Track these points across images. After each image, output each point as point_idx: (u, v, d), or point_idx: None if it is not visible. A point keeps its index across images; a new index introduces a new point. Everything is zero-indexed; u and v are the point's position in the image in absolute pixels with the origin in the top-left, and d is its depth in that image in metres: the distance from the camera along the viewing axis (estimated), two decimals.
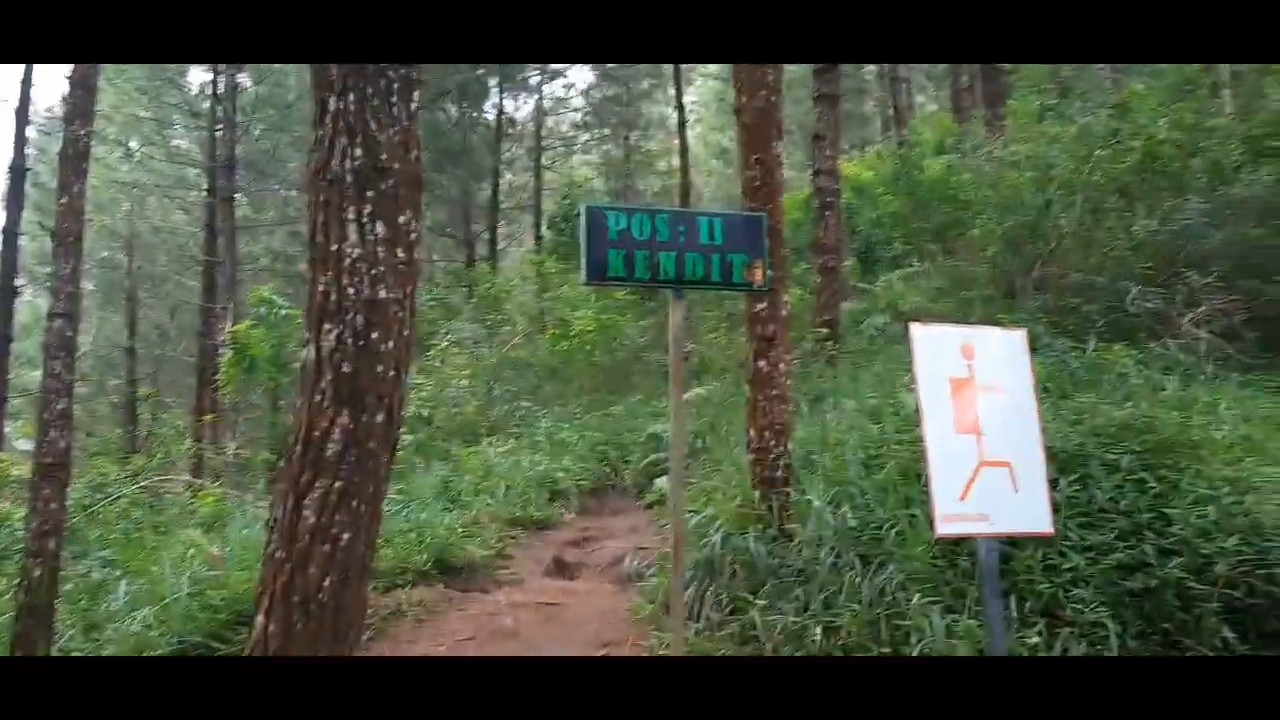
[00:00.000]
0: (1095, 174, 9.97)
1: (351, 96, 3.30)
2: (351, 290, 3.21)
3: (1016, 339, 4.25)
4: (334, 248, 3.23)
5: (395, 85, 3.36)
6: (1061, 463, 5.16)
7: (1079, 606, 4.37)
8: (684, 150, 19.27)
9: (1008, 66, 15.99)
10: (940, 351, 4.08)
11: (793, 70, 20.37)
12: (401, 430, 3.62)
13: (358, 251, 3.24)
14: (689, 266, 4.08)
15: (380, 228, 3.29)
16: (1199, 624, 4.42)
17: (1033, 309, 8.55)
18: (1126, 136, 10.46)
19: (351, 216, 3.26)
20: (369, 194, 3.28)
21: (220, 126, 19.85)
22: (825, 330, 10.02)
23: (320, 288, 3.26)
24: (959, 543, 4.67)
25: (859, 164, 16.43)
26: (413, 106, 3.43)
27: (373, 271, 3.25)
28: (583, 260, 4.03)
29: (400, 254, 3.35)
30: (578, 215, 17.14)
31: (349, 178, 3.27)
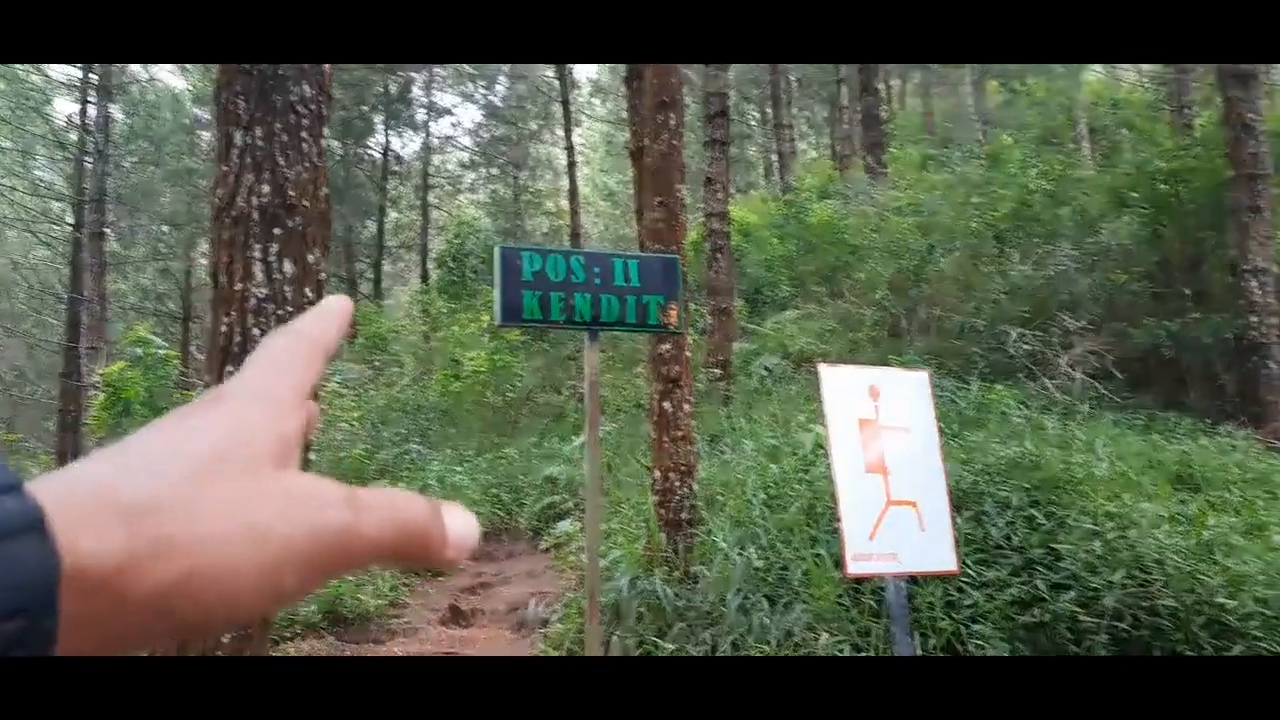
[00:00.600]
0: (973, 221, 10.43)
1: (259, 131, 3.18)
2: (257, 331, 3.08)
3: (920, 380, 4.36)
4: (238, 287, 3.10)
5: (305, 120, 3.26)
6: (957, 500, 5.29)
7: (980, 642, 4.47)
8: (574, 191, 19.35)
9: (885, 115, 16.67)
10: (848, 392, 4.15)
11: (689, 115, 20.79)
12: None
13: (264, 291, 3.11)
14: (605, 308, 4.06)
15: (288, 267, 3.16)
16: (1090, 655, 4.58)
17: (919, 350, 8.84)
18: (999, 186, 11.01)
19: (258, 255, 3.13)
20: (276, 232, 3.16)
21: (89, 158, 18.96)
22: (719, 371, 10.12)
23: (223, 328, 3.12)
24: (862, 581, 4.74)
25: (745, 208, 16.78)
26: (322, 143, 3.33)
27: (279, 312, 3.12)
28: (496, 302, 3.96)
29: (309, 294, 3.23)
30: (468, 255, 16.86)
31: (255, 215, 3.14)
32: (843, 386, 4.17)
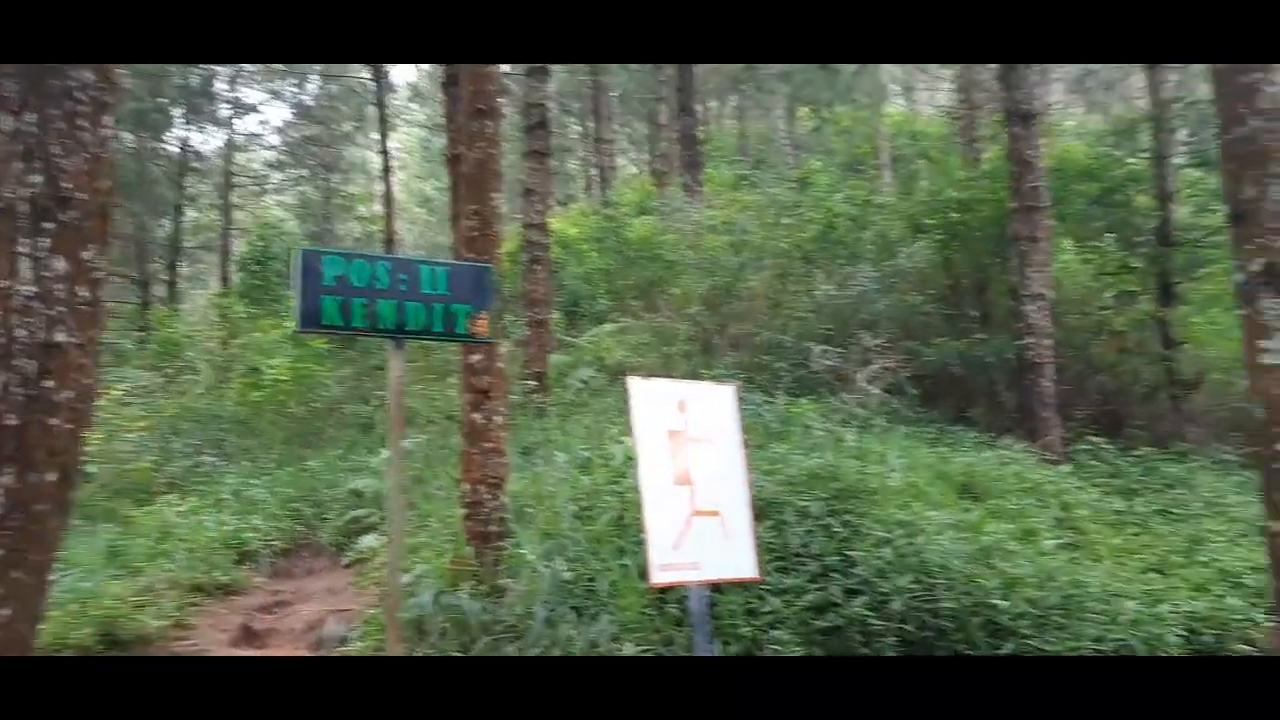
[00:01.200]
0: (782, 241, 10.82)
1: (31, 117, 2.92)
2: (23, 332, 2.82)
3: (727, 394, 4.47)
4: (2, 285, 2.83)
5: (84, 107, 3.02)
6: (760, 510, 5.44)
7: (777, 647, 4.60)
8: (388, 197, 18.85)
9: (702, 135, 17.11)
10: (657, 405, 4.19)
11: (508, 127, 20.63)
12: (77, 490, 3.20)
13: (31, 290, 2.85)
14: (410, 316, 3.95)
15: (59, 263, 2.92)
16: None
17: (728, 364, 9.07)
18: (808, 208, 11.48)
19: (25, 250, 2.87)
20: (47, 225, 2.90)
21: None
22: (534, 382, 10.07)
23: None
24: (668, 590, 4.79)
25: (565, 220, 16.83)
26: (104, 131, 3.09)
27: (50, 312, 2.87)
28: (295, 307, 3.78)
29: (82, 293, 2.98)
30: (273, 258, 16.09)
31: (24, 207, 2.88)
32: (652, 400, 4.21)
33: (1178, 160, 11.06)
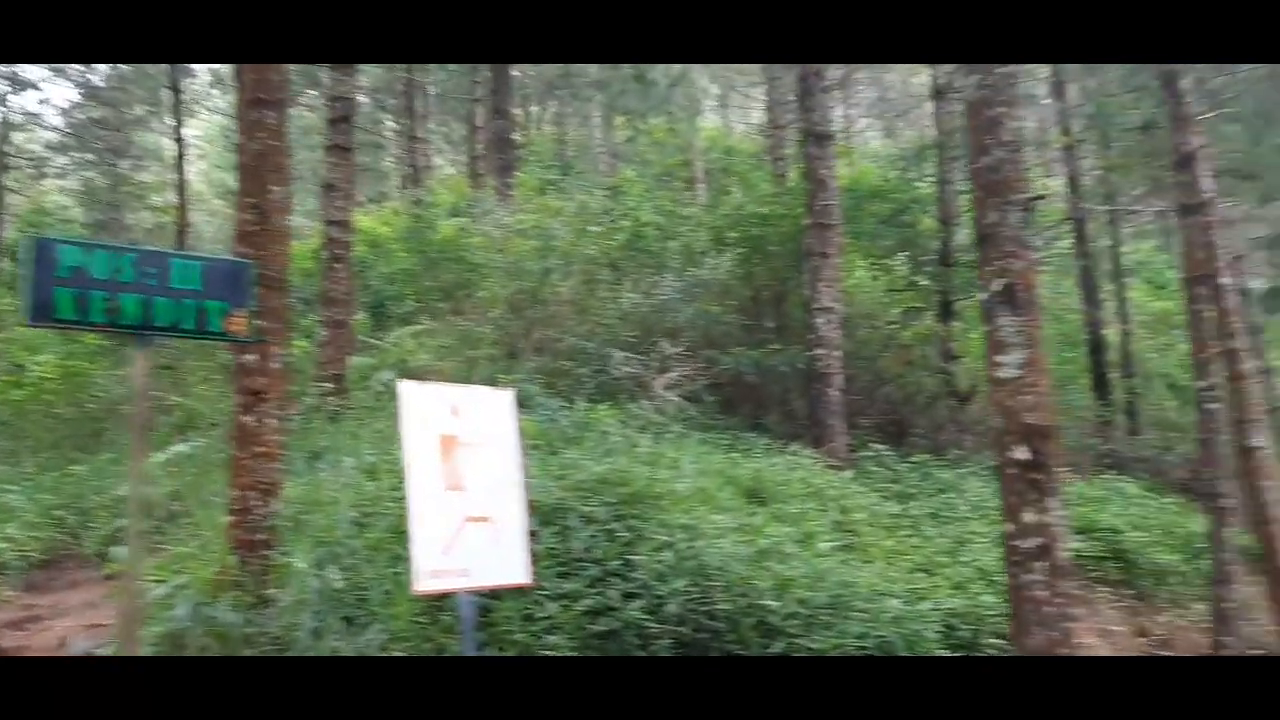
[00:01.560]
0: (591, 247, 10.88)
1: None
2: None
3: (504, 399, 4.44)
4: None
5: None
6: (545, 515, 5.44)
7: (551, 652, 4.60)
8: (182, 186, 17.78)
9: (519, 139, 17.03)
10: (430, 409, 4.12)
11: (310, 117, 19.82)
12: None
13: None
14: (157, 312, 3.72)
15: None
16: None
17: (531, 369, 9.04)
18: (618, 216, 11.60)
19: None
20: None
21: None
22: (330, 385, 9.73)
23: None
24: (444, 598, 4.72)
25: (375, 218, 16.38)
26: None
27: None
28: (25, 298, 3.49)
29: None
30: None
31: None
32: (424, 403, 4.13)
33: (959, 185, 11.80)
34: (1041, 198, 5.59)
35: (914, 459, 9.77)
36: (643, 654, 4.90)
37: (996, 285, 4.37)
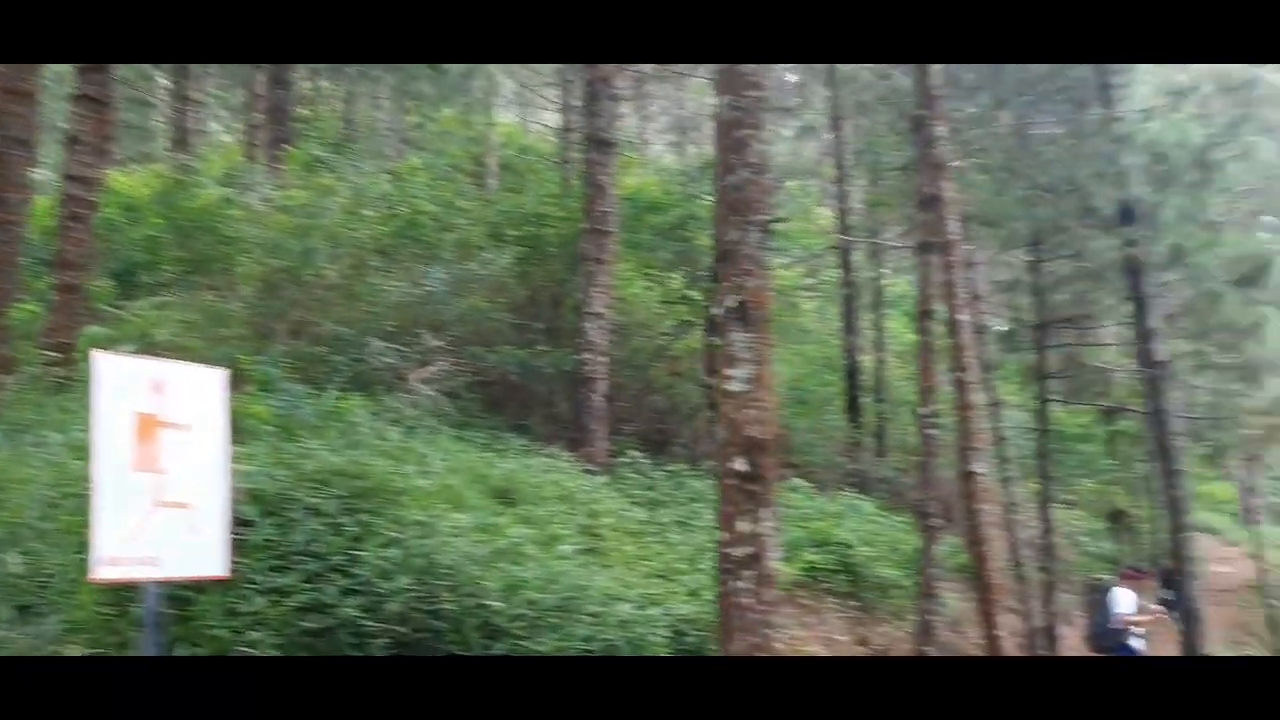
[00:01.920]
0: (362, 231, 10.50)
1: None
2: None
3: (215, 378, 4.15)
4: None
5: None
6: (268, 505, 5.16)
7: (252, 649, 4.36)
8: None
9: (305, 112, 16.24)
10: (128, 385, 3.79)
11: (62, 66, 18.15)
12: None
13: None
14: None
15: None
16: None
17: (282, 353, 8.60)
18: (396, 202, 11.25)
19: None
20: None
21: None
22: (57, 354, 8.90)
23: None
24: (136, 589, 4.37)
25: (134, 179, 15.17)
26: None
27: None
28: None
29: None
30: None
31: None
32: (122, 378, 3.80)
33: None
34: (782, 220, 5.83)
35: (671, 467, 10.01)
36: (358, 654, 4.73)
37: (731, 301, 4.50)
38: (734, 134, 4.59)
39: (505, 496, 7.37)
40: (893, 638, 8.88)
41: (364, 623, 4.72)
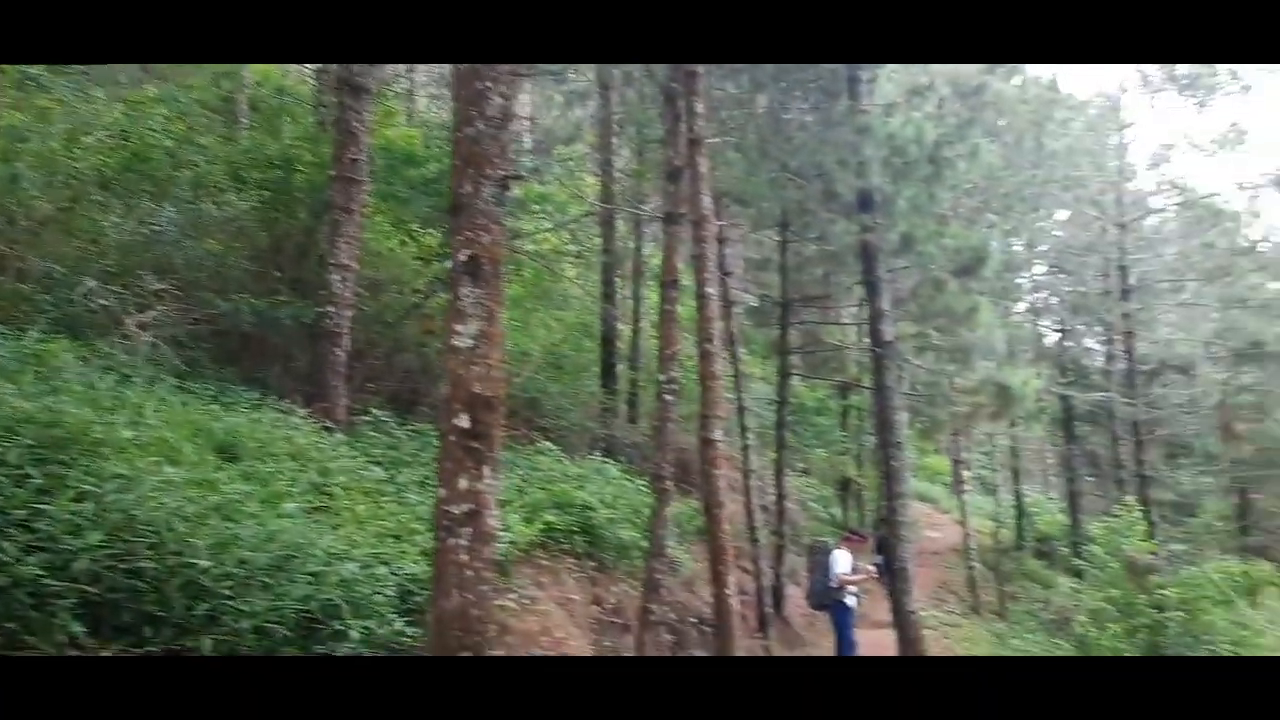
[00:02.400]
0: (83, 161, 9.58)
1: None
2: None
3: None
4: None
5: None
6: None
7: None
8: None
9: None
10: None
11: None
12: None
13: None
14: None
15: None
16: (50, 620, 4.34)
17: None
18: (126, 133, 10.32)
19: None
20: None
21: None
22: None
23: None
24: None
25: None
26: None
27: None
28: None
29: None
30: None
31: None
32: None
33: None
34: (520, 177, 5.80)
35: (417, 427, 9.81)
36: (38, 615, 4.34)
37: (463, 256, 4.42)
38: (473, 85, 4.50)
39: (228, 452, 6.98)
40: (626, 596, 9.15)
41: (47, 582, 4.33)
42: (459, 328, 4.38)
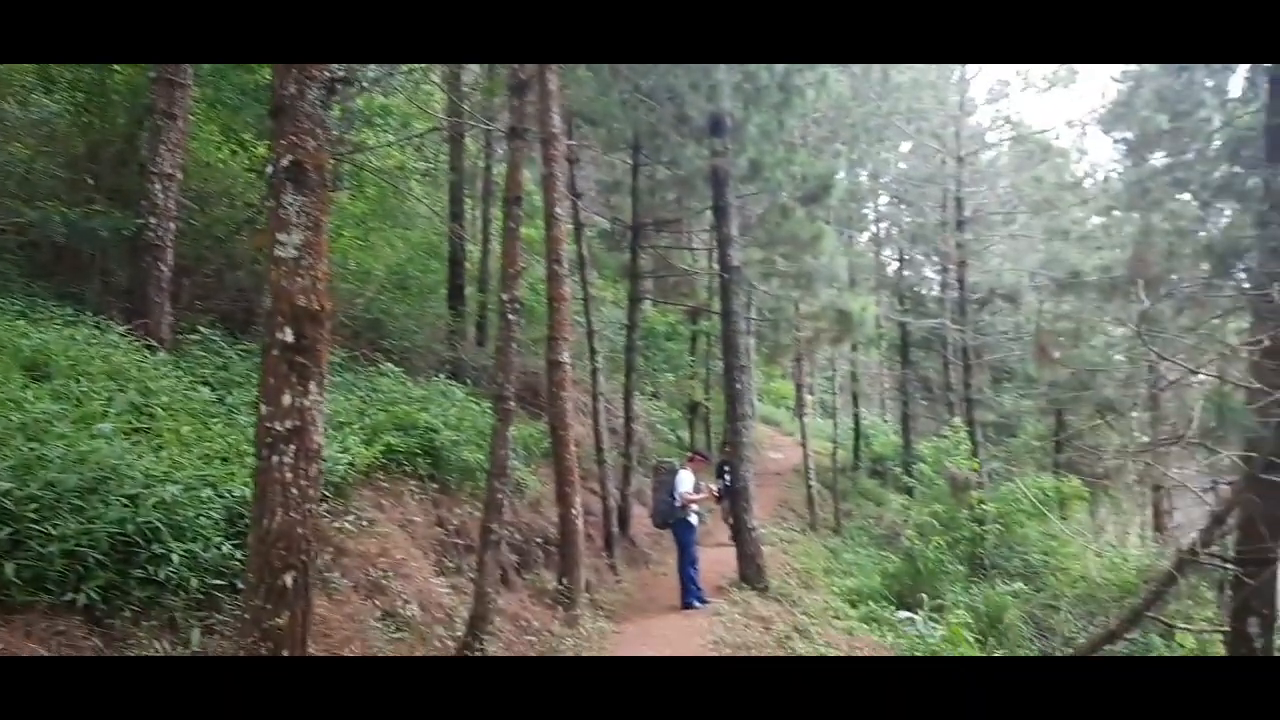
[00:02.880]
0: None
1: None
2: None
3: None
4: None
5: None
6: None
7: None
8: None
9: None
10: None
11: None
12: None
13: None
14: None
15: None
16: None
17: None
18: None
19: None
20: None
21: None
22: None
23: None
24: None
25: None
26: None
27: None
28: None
29: None
30: None
31: None
32: None
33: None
34: (346, 81, 5.54)
35: (250, 347, 9.40)
36: None
37: (285, 161, 4.18)
38: None
39: (37, 370, 6.53)
40: (472, 519, 9.11)
41: None
42: (281, 237, 4.17)
